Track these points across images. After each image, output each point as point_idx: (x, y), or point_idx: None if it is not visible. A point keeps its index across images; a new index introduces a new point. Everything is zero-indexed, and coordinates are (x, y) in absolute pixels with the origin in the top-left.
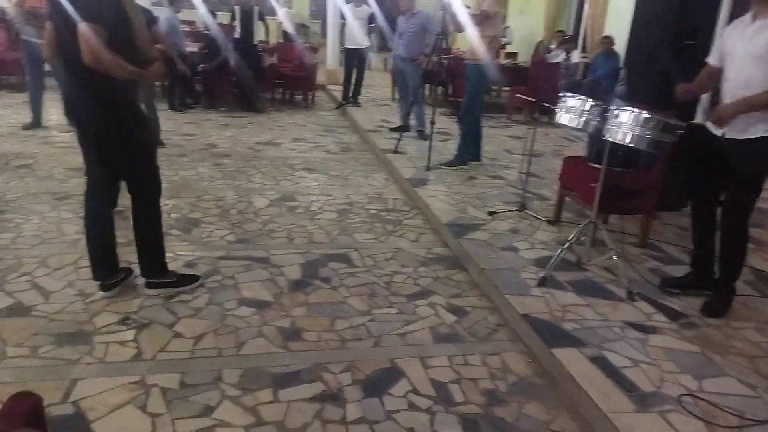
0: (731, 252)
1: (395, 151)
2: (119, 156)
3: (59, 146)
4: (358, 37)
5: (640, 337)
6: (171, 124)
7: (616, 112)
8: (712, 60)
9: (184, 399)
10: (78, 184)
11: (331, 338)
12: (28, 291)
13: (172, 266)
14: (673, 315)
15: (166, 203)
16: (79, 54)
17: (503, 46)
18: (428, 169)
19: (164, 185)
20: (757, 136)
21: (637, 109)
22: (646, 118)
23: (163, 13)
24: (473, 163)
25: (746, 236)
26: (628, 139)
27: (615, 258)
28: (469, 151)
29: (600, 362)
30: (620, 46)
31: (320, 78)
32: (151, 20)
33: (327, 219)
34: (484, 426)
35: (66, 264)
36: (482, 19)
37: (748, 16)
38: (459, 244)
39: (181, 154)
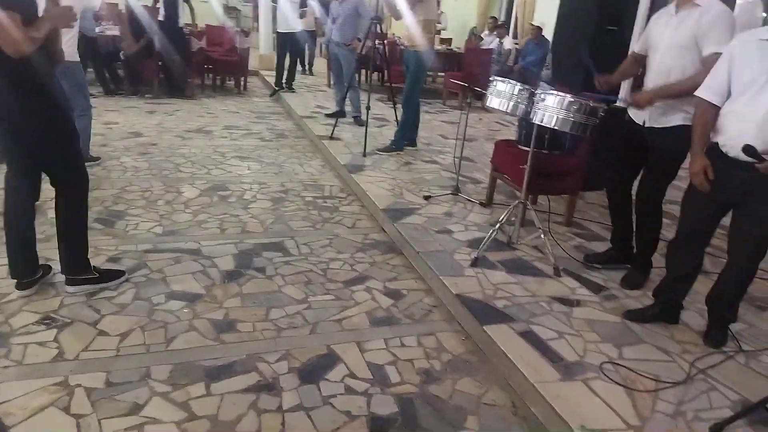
0: (647, 231)
1: (331, 138)
2: (42, 145)
3: None
4: (291, 20)
5: (565, 310)
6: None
7: (542, 95)
8: (637, 48)
9: (110, 398)
10: None
11: (266, 328)
12: None
13: (94, 262)
14: (596, 288)
15: None
16: None
17: (438, 32)
18: (365, 155)
19: None
20: (674, 124)
21: (561, 93)
22: (570, 101)
23: None
24: (409, 148)
25: (660, 216)
26: (553, 122)
27: (542, 237)
28: (406, 136)
29: (528, 336)
30: (549, 33)
31: (253, 63)
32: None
33: (261, 208)
34: (420, 404)
35: None
36: (415, 1)
37: (671, 7)
38: (395, 229)
39: (103, 143)
